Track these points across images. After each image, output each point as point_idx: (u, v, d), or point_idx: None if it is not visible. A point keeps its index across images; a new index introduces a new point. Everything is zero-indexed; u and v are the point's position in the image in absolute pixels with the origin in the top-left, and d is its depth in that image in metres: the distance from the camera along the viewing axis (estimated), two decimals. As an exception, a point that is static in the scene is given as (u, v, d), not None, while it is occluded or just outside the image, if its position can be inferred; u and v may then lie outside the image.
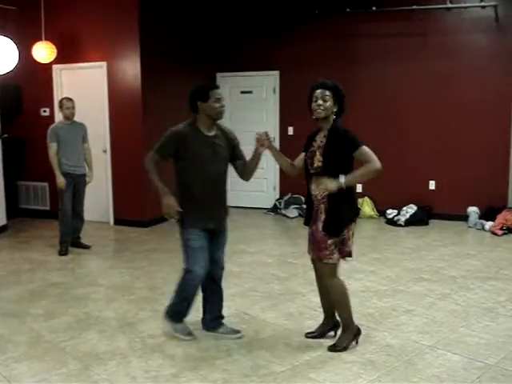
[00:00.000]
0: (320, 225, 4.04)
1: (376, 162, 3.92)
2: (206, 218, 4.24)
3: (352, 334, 4.23)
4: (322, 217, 4.04)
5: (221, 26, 9.96)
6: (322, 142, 4.08)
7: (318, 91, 4.03)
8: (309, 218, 4.22)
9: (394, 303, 5.23)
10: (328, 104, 4.02)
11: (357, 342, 4.26)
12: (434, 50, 8.66)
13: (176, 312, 4.42)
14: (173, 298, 4.42)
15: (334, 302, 4.23)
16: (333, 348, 4.19)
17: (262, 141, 4.22)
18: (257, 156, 4.31)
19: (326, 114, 4.03)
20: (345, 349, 4.18)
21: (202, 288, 4.44)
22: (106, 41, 8.51)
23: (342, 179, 3.90)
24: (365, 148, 3.96)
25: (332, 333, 4.40)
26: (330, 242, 4.02)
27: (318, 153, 4.05)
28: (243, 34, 9.84)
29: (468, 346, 4.26)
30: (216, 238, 4.35)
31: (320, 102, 4.01)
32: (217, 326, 4.50)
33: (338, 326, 4.36)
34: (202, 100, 4.19)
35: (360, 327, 4.30)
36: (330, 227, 4.02)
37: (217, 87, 4.28)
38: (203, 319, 4.56)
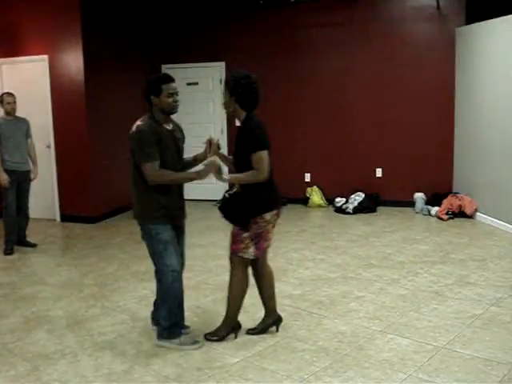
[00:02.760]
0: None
1: (262, 174, 3.92)
2: (174, 214, 4.12)
3: (229, 326, 4.23)
4: None
5: (166, 16, 9.84)
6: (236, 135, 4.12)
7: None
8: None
9: (344, 290, 5.28)
10: (224, 100, 4.05)
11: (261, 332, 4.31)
12: (378, 38, 8.75)
13: (172, 326, 4.15)
14: (161, 312, 4.15)
15: (230, 294, 4.19)
16: (208, 337, 4.22)
17: (214, 146, 4.17)
18: (199, 161, 4.27)
19: (227, 109, 4.08)
20: (220, 339, 4.18)
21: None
22: (47, 33, 8.30)
23: (227, 176, 4.02)
24: (260, 154, 3.91)
25: (274, 328, 4.37)
26: (245, 235, 4.00)
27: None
28: (188, 25, 9.74)
29: (417, 329, 4.34)
30: (179, 233, 4.24)
31: (222, 99, 4.08)
32: None
33: (280, 321, 4.38)
34: (155, 94, 4.00)
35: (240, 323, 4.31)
36: (234, 219, 4.03)
37: (170, 80, 4.04)
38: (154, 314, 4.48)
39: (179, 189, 4.20)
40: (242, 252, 4.03)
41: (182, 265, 4.27)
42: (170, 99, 4.01)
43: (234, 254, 4.08)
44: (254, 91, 4.04)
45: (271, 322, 4.36)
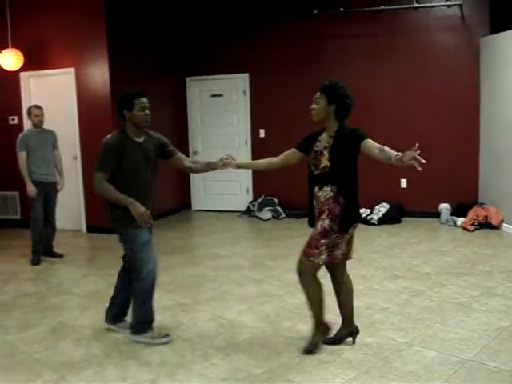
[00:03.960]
0: (319, 224, 4.04)
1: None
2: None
3: (322, 332, 4.24)
4: (325, 218, 4.02)
5: (189, 29, 9.94)
6: (328, 142, 4.07)
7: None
8: (312, 219, 4.23)
9: (369, 302, 5.25)
10: (318, 106, 4.05)
11: (354, 342, 4.30)
12: (403, 49, 8.75)
13: (142, 322, 4.46)
14: (134, 310, 4.48)
15: (307, 299, 4.20)
16: (305, 350, 4.18)
17: (228, 164, 4.41)
18: (211, 168, 4.58)
19: (319, 117, 4.06)
20: (315, 347, 4.18)
21: (121, 284, 4.67)
22: (73, 47, 8.42)
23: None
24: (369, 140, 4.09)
25: (350, 339, 4.32)
26: (322, 241, 4.00)
27: (325, 152, 4.04)
28: (212, 37, 9.83)
29: (443, 341, 4.30)
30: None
31: (312, 105, 4.07)
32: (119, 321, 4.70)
33: (357, 333, 4.32)
34: (127, 109, 4.27)
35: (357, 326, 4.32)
36: (344, 222, 4.01)
37: (141, 95, 4.31)
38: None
39: (150, 200, 4.42)
40: (314, 257, 4.02)
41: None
42: (142, 113, 4.26)
43: (306, 257, 4.06)
44: (350, 103, 4.08)
45: (347, 333, 4.31)
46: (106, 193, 4.19)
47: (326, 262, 4.08)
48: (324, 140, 4.11)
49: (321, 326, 4.25)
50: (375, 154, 3.99)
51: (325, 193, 4.05)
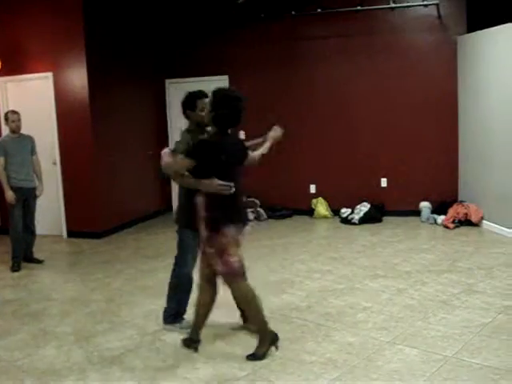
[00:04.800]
0: None
1: None
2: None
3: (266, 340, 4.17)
4: None
5: (168, 32, 9.90)
6: None
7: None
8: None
9: (351, 301, 5.27)
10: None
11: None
12: (380, 49, 8.78)
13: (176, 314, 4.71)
14: (169, 302, 4.70)
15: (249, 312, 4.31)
16: (250, 358, 4.12)
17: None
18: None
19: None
20: (262, 356, 4.11)
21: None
22: (51, 51, 8.34)
23: None
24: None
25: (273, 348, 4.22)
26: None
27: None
28: (191, 39, 9.79)
29: (425, 339, 4.33)
30: None
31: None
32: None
33: (277, 339, 4.19)
34: (191, 109, 4.41)
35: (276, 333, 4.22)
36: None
37: (204, 96, 4.38)
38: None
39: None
40: None
41: None
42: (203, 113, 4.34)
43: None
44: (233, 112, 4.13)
45: (268, 343, 4.17)
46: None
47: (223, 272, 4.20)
48: None
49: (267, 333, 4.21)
50: None
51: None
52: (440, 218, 8.23)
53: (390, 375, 3.77)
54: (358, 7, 8.58)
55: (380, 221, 8.69)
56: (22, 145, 6.95)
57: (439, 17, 8.42)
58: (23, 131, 7.02)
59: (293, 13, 8.89)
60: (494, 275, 5.81)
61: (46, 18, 8.26)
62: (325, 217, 9.15)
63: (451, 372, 3.77)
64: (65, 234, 8.67)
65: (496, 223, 7.60)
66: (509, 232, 7.28)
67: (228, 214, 4.06)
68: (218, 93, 4.13)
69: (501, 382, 3.59)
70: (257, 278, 5.06)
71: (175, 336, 4.56)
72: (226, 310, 4.60)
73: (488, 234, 7.59)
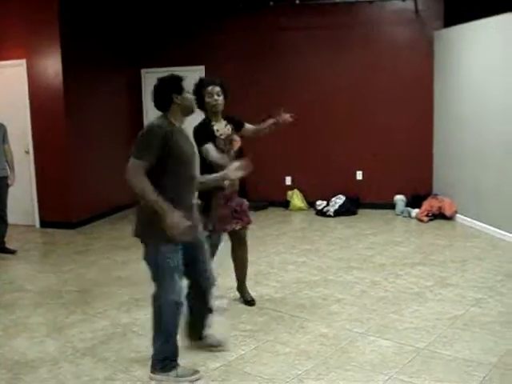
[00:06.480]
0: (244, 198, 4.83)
1: None
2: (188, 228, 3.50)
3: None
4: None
5: (144, 21, 9.80)
6: (228, 128, 4.71)
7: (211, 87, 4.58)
8: (208, 204, 4.47)
9: (325, 293, 5.29)
10: (221, 98, 4.61)
11: None
12: (359, 42, 8.79)
13: (165, 358, 3.65)
14: (155, 342, 3.67)
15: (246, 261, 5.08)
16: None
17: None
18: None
19: (221, 107, 4.65)
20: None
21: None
22: (24, 38, 8.22)
23: None
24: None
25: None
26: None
27: (234, 137, 4.73)
28: (167, 29, 9.71)
29: (398, 331, 4.36)
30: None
31: (215, 97, 4.57)
32: None
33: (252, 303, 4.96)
34: (177, 92, 3.80)
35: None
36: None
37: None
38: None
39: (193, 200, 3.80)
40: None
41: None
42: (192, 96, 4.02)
43: (247, 227, 4.91)
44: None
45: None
46: (143, 190, 3.43)
47: None
48: (222, 127, 4.66)
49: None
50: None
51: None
52: (414, 212, 8.28)
53: (363, 366, 3.79)
54: (337, 0, 8.58)
55: (355, 213, 8.73)
56: (-7, 133, 6.85)
57: (416, 11, 8.45)
58: (-4, 119, 6.93)
59: (271, 4, 8.85)
60: (467, 268, 5.87)
61: (21, 5, 8.13)
62: (300, 209, 9.17)
63: (424, 363, 3.80)
64: (38, 223, 8.57)
65: (469, 217, 7.68)
66: (482, 226, 7.35)
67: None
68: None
69: (473, 373, 3.63)
70: (232, 270, 5.06)
71: (147, 327, 4.09)
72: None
73: (461, 227, 7.67)
